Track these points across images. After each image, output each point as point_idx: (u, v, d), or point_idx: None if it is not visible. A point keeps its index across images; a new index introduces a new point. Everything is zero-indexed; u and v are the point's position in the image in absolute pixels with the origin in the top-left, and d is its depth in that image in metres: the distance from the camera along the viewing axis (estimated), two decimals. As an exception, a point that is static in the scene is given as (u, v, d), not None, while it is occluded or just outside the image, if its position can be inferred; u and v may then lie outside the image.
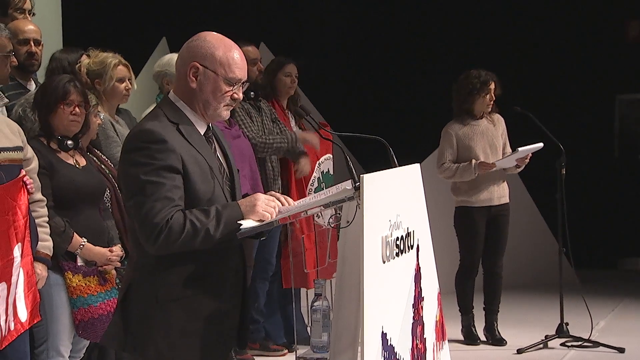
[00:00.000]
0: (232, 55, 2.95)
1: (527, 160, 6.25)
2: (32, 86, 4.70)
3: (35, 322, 3.79)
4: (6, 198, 3.53)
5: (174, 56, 5.30)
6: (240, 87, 2.99)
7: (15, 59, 4.12)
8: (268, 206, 2.88)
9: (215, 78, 2.93)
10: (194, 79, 2.95)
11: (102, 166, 4.38)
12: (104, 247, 4.12)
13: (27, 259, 3.67)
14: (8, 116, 4.20)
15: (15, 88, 4.56)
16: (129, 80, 4.75)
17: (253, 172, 5.57)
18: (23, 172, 3.67)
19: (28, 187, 3.66)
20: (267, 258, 5.83)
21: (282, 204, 2.95)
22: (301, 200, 3.03)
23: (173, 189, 2.82)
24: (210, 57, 2.93)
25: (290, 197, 3.05)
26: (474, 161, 6.19)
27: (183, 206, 2.83)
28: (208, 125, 3.04)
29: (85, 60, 4.71)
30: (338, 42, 10.04)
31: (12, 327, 3.58)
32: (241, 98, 3.03)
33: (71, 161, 4.13)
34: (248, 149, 5.59)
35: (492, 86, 6.27)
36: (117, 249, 4.16)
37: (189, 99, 2.98)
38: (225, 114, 3.00)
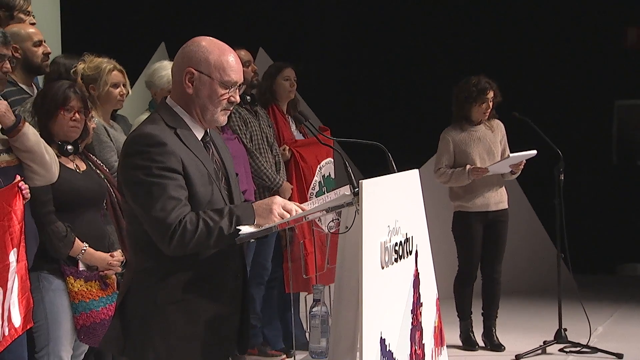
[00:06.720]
0: (226, 59, 2.95)
1: (522, 167, 6.23)
2: (34, 91, 4.70)
3: (28, 327, 3.78)
4: (1, 203, 3.53)
5: (158, 65, 5.28)
6: (237, 90, 2.99)
7: (9, 65, 4.11)
8: (284, 210, 2.86)
9: (211, 82, 2.94)
10: (190, 84, 2.95)
11: (98, 171, 4.37)
12: (105, 252, 4.12)
13: (22, 264, 3.67)
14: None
15: (18, 93, 4.56)
16: (123, 85, 4.75)
17: (247, 174, 5.57)
18: (18, 178, 3.67)
19: (23, 192, 3.66)
20: (262, 263, 5.83)
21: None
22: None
23: (178, 189, 2.82)
24: (204, 61, 2.93)
25: (292, 201, 3.05)
26: (467, 166, 6.18)
27: (190, 207, 2.83)
28: (206, 131, 3.04)
29: (80, 65, 4.71)
30: (337, 47, 10.04)
31: (6, 333, 3.58)
32: (238, 101, 3.03)
33: (71, 165, 4.13)
34: (241, 152, 5.59)
35: (490, 95, 6.23)
36: (118, 254, 4.15)
37: (186, 105, 2.98)
38: (223, 119, 3.00)
